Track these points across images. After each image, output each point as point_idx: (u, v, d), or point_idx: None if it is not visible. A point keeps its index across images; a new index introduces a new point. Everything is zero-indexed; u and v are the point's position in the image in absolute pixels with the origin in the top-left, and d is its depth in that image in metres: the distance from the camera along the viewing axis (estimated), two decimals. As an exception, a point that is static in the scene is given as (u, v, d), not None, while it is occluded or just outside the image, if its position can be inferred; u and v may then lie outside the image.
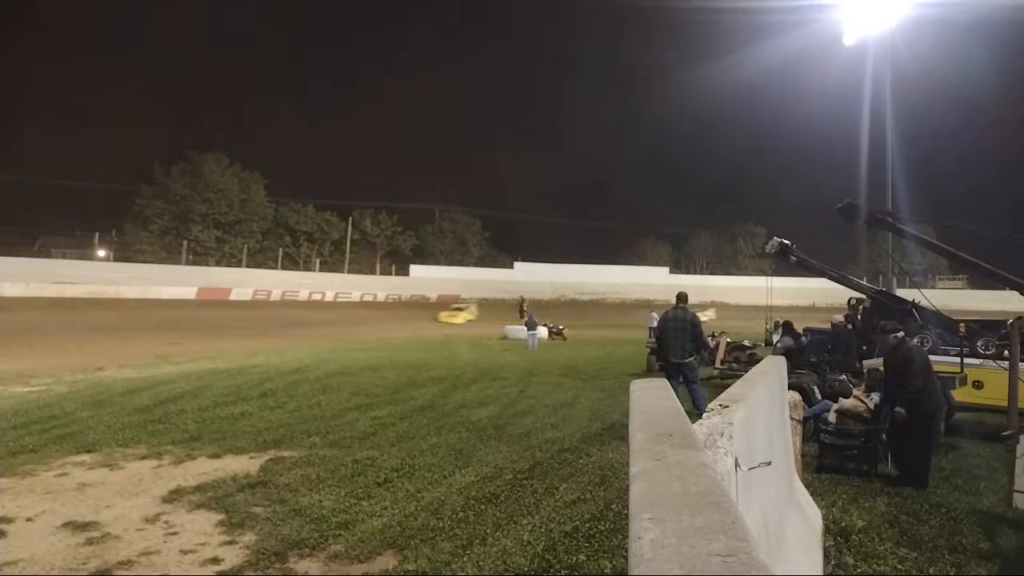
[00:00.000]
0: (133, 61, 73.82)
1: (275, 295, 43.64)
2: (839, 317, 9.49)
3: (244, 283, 43.59)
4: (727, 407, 2.03)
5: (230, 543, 3.72)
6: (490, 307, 44.95)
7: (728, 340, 12.63)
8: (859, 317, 9.91)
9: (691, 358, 7.78)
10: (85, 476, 5.02)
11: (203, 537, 3.81)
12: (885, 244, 19.92)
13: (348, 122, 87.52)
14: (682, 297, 8.10)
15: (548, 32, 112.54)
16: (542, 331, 23.01)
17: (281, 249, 53.39)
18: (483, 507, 4.38)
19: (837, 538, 3.89)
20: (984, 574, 3.56)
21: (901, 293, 14.04)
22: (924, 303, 8.74)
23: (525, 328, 21.38)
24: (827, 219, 12.28)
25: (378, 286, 52.59)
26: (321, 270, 53.93)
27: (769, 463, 2.38)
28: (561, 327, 25.66)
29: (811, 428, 6.09)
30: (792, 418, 4.07)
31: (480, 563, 3.48)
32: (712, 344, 11.01)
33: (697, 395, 7.43)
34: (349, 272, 55.56)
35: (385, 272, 58.05)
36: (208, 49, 79.57)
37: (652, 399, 1.88)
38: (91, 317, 26.78)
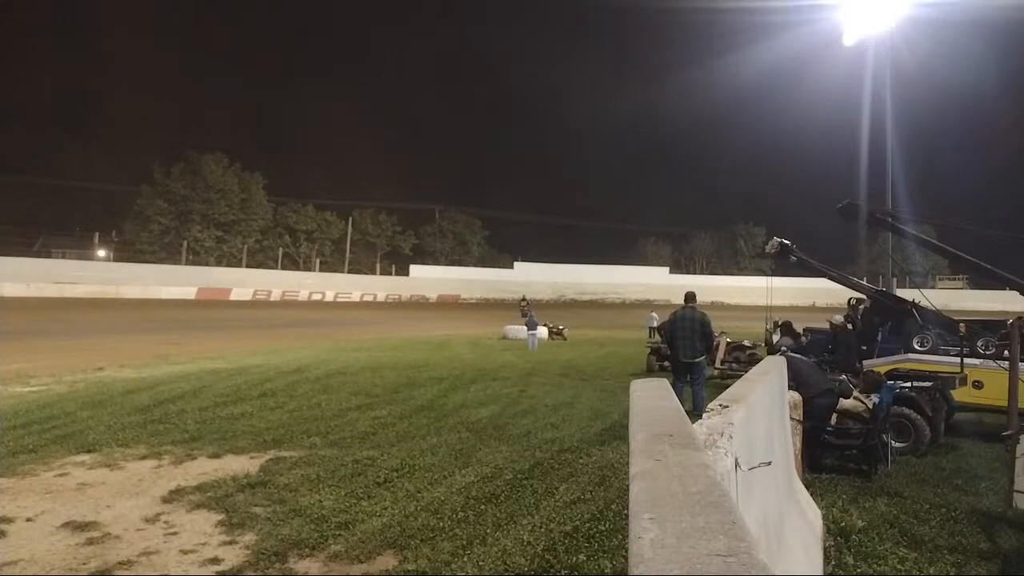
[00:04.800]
0: (133, 61, 73.92)
1: (275, 295, 43.64)
2: (839, 317, 9.48)
3: (244, 283, 43.65)
4: (727, 407, 2.03)
5: (230, 543, 3.72)
6: (490, 307, 44.91)
7: (728, 340, 12.63)
8: (859, 317, 9.90)
9: (701, 358, 7.75)
10: (85, 476, 5.01)
11: (203, 537, 3.81)
12: (885, 244, 19.86)
13: (348, 121, 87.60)
14: (690, 296, 8.04)
15: (549, 31, 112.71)
16: (542, 331, 22.99)
17: (281, 249, 53.41)
18: (483, 507, 4.38)
19: (837, 538, 3.89)
20: (984, 574, 3.56)
21: (901, 293, 14.04)
22: (924, 303, 8.74)
23: (525, 328, 21.37)
24: (827, 219, 12.25)
25: (378, 286, 52.63)
26: (321, 270, 53.94)
27: (769, 463, 2.39)
28: (561, 327, 25.63)
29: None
30: (792, 418, 4.07)
31: (480, 563, 3.48)
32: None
33: (699, 396, 7.42)
34: (349, 272, 55.56)
35: (385, 272, 58.09)
36: (208, 48, 79.68)
37: (652, 399, 1.88)
38: (91, 317, 26.76)
